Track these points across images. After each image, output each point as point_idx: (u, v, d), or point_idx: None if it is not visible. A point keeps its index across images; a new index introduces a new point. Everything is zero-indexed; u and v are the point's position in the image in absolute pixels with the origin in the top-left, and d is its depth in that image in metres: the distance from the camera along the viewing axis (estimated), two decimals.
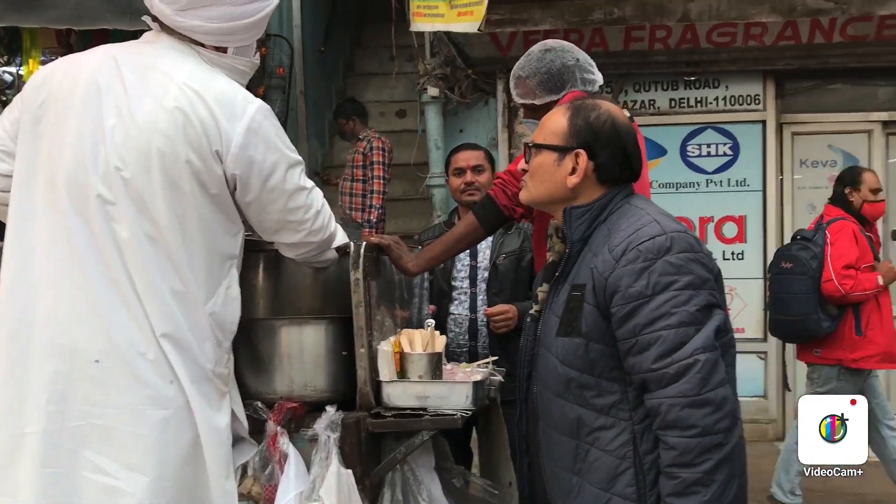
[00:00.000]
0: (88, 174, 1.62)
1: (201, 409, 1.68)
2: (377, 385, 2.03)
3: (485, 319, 2.99)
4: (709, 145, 5.89)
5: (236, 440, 1.84)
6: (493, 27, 4.88)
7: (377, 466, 2.01)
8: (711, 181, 5.88)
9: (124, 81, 1.66)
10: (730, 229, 5.89)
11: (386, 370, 2.03)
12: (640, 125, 2.16)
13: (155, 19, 1.77)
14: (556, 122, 1.70)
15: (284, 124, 4.01)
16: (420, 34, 5.00)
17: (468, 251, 2.99)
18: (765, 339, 5.64)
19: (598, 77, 2.40)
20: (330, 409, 1.94)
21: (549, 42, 2.39)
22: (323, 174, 6.13)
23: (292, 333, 2.05)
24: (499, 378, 2.24)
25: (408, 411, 2.00)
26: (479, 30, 4.46)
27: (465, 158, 3.15)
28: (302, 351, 2.04)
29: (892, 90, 5.80)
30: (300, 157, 1.85)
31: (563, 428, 1.64)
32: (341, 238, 2.04)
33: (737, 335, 1.67)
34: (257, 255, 2.11)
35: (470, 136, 5.56)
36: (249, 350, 2.03)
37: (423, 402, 2.01)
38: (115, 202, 1.62)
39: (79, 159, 1.64)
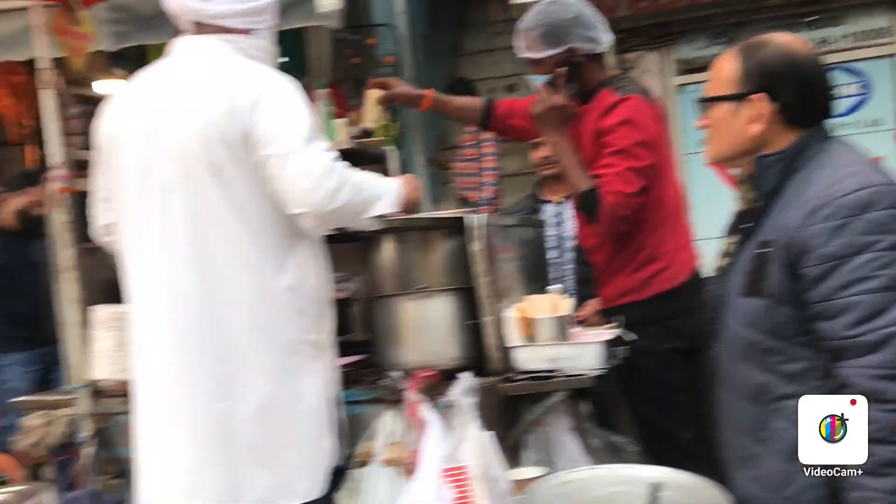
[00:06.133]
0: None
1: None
2: (506, 350, 2.12)
3: None
4: (836, 86, 5.51)
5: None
6: None
7: (514, 429, 2.10)
8: (842, 124, 5.51)
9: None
10: None
11: (514, 335, 2.11)
12: None
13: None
14: (725, 68, 1.52)
15: (396, 111, 4.17)
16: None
17: None
18: None
19: (604, 37, 2.40)
20: (464, 376, 2.00)
21: None
22: (438, 158, 6.25)
23: (421, 307, 2.19)
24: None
25: (539, 374, 2.06)
26: None
27: None
28: (432, 322, 2.18)
29: None
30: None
31: (744, 393, 1.52)
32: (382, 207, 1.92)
33: None
34: (380, 236, 2.21)
35: None
36: (383, 324, 2.23)
37: (554, 363, 2.06)
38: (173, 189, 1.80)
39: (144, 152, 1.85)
